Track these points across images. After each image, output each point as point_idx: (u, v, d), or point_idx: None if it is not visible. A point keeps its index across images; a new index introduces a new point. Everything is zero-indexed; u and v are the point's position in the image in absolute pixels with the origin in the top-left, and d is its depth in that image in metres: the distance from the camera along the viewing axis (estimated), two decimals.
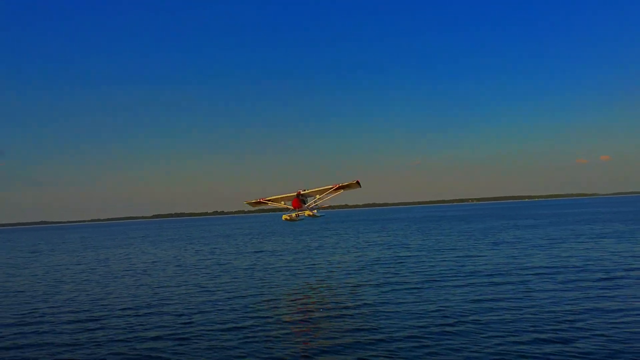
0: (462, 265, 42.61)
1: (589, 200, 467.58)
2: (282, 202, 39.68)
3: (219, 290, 36.24)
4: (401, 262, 47.11)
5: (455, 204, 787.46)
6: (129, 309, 31.03)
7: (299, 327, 24.70)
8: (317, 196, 40.31)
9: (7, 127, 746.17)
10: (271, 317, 26.91)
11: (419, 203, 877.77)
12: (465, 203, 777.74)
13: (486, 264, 42.66)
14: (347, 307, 28.41)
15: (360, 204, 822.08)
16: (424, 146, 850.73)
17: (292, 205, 38.62)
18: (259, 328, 24.71)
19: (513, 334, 21.49)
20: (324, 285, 36.80)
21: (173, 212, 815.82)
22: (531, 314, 24.68)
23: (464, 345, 20.25)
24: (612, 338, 20.27)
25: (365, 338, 21.99)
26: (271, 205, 40.75)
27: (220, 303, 31.43)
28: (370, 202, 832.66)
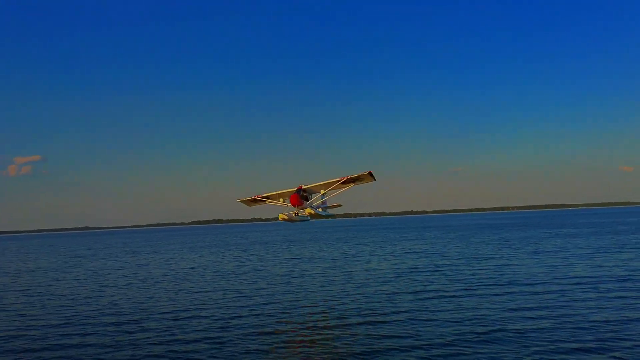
0: (502, 274, 41.89)
1: (633, 209, 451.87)
2: (281, 200, 34.19)
3: (255, 296, 36.64)
4: (439, 270, 46.64)
5: (494, 212, 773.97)
6: (168, 312, 31.70)
7: (335, 333, 24.74)
8: (322, 191, 34.18)
9: (51, 134, 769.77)
10: (307, 323, 27.08)
11: (458, 211, 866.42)
12: (505, 211, 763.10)
13: (526, 273, 41.83)
14: (383, 314, 28.32)
15: (397, 211, 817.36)
16: (465, 153, 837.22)
17: (290, 203, 32.41)
18: (295, 334, 24.93)
19: (553, 343, 21.07)
20: (360, 292, 36.73)
21: (211, 219, 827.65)
22: (572, 323, 24.14)
23: (502, 354, 19.95)
24: None
25: (402, 345, 21.91)
26: (269, 203, 35.20)
27: (256, 308, 31.76)
28: (409, 210, 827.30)
